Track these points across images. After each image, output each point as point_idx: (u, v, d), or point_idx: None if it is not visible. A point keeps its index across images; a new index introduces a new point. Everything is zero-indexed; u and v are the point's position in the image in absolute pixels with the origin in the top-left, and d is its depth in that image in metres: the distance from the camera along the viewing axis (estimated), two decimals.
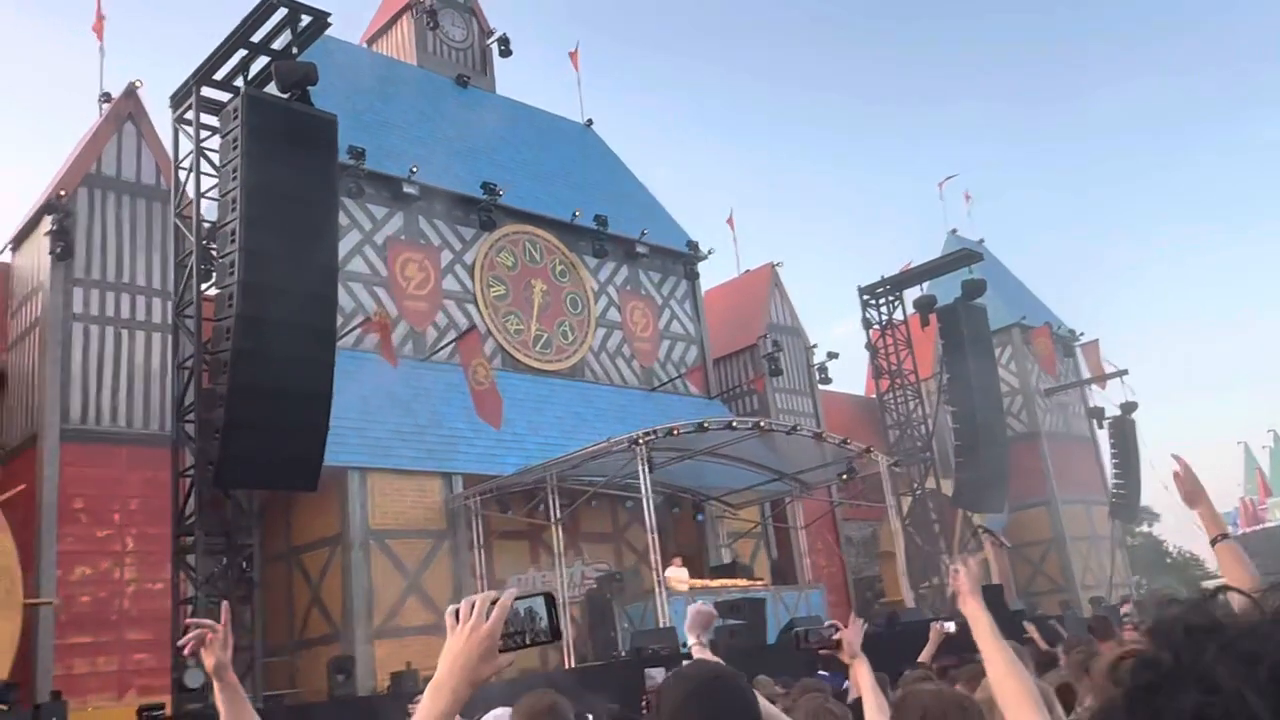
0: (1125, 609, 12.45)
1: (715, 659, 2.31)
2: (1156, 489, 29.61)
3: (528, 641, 1.60)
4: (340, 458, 15.44)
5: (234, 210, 12.09)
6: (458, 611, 1.60)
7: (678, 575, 16.92)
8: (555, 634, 1.61)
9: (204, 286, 13.40)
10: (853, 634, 2.56)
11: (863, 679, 2.99)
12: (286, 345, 12.17)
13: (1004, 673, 2.17)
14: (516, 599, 1.60)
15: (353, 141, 17.72)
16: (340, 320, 16.32)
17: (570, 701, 2.94)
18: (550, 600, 1.62)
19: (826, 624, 3.08)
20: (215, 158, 13.36)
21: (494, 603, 1.58)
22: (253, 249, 11.93)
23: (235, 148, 12.23)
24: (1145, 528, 46.56)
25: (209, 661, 2.32)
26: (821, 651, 3.07)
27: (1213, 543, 3.10)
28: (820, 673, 5.87)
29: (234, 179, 12.15)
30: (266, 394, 12.11)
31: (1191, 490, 3.14)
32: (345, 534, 16.02)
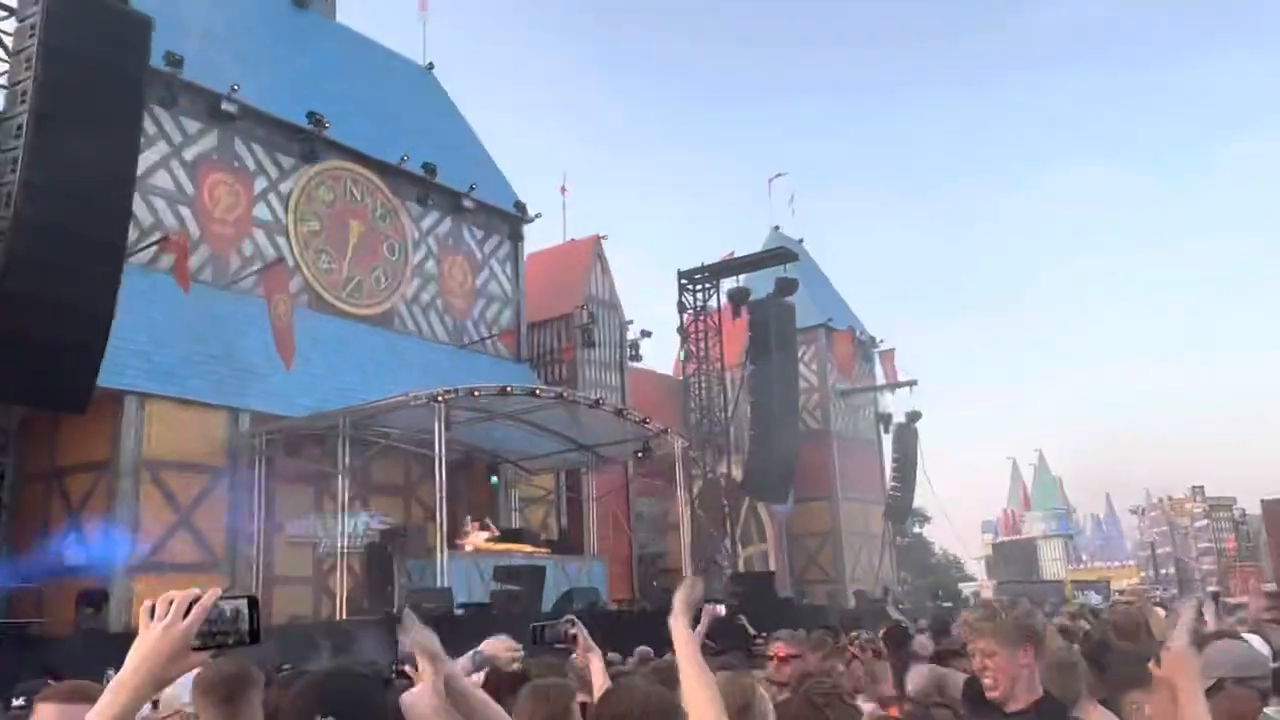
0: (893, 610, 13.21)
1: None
2: (928, 494, 31.69)
3: (229, 642, 1.58)
4: (118, 380, 14.57)
5: (23, 102, 11.18)
6: (154, 608, 1.55)
7: (476, 539, 16.88)
8: (255, 638, 1.59)
9: None
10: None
11: (596, 673, 3.13)
12: (68, 255, 11.35)
13: (696, 685, 2.36)
14: (220, 599, 1.58)
15: (171, 48, 16.64)
16: (135, 235, 15.39)
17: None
18: (254, 603, 1.61)
19: (564, 619, 3.22)
20: (9, 42, 12.28)
21: (194, 601, 1.55)
22: (40, 147, 11.05)
23: (32, 35, 11.29)
24: (916, 529, 49.53)
25: None
26: (557, 646, 3.21)
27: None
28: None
29: (27, 68, 11.22)
30: (40, 305, 11.27)
31: None
32: (115, 461, 15.14)
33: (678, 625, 2.51)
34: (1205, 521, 63.84)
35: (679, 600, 2.56)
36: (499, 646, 3.37)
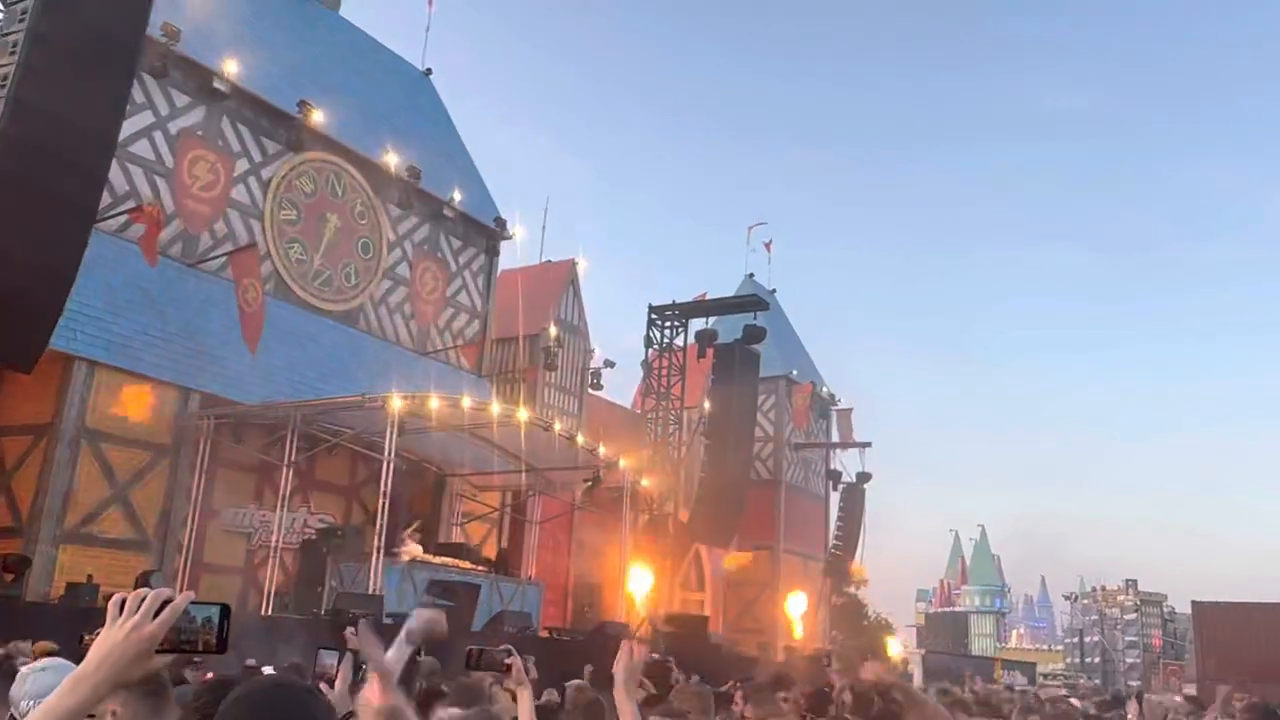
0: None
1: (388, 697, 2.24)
2: (869, 555, 31.83)
3: (199, 648, 1.52)
4: (69, 344, 14.34)
5: (13, 54, 11.02)
6: (123, 603, 1.48)
7: (412, 549, 16.63)
8: (223, 647, 1.52)
9: None
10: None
11: (523, 707, 3.07)
12: (38, 212, 11.17)
13: None
14: (192, 603, 1.51)
15: (170, 19, 16.51)
16: (108, 201, 15.17)
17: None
18: (226, 612, 1.54)
19: (501, 648, 3.15)
20: None
21: (166, 603, 1.48)
22: (24, 100, 10.89)
23: None
24: (852, 589, 49.59)
25: None
26: (490, 673, 3.14)
27: None
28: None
29: (21, 20, 11.09)
30: (2, 258, 11.06)
31: None
32: (57, 426, 14.85)
33: (619, 695, 2.44)
34: (1135, 615, 64.50)
35: (620, 670, 2.46)
36: (432, 617, 3.30)
